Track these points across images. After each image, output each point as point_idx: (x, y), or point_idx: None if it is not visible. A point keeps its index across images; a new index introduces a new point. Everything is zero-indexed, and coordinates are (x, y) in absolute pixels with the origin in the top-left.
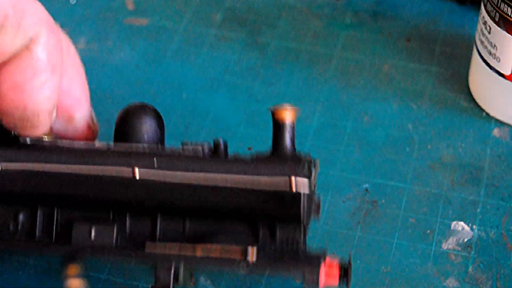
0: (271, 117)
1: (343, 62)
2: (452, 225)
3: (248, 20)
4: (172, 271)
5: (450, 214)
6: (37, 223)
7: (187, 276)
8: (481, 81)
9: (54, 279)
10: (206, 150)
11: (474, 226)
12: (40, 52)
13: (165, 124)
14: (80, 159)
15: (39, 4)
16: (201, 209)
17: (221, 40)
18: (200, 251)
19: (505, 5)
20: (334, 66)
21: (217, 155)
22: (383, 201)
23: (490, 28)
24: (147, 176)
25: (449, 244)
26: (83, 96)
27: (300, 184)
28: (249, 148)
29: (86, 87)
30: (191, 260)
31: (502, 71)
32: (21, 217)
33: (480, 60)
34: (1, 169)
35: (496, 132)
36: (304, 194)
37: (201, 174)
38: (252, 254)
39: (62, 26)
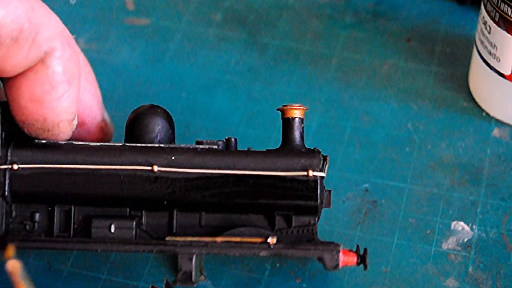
0: (270, 117)
1: (343, 62)
2: (452, 225)
3: (248, 20)
4: (194, 259)
5: (450, 214)
6: (55, 221)
7: (197, 274)
8: (481, 81)
9: (54, 279)
10: (221, 147)
11: (474, 226)
12: (56, 65)
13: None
14: (97, 157)
15: (54, 16)
16: (218, 203)
17: (221, 40)
18: (220, 241)
19: (505, 5)
20: (334, 66)
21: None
22: (383, 201)
23: (490, 28)
24: (166, 172)
25: (449, 244)
26: (94, 102)
27: (316, 170)
28: (249, 148)
29: (98, 93)
30: (212, 246)
31: (502, 71)
32: (37, 216)
33: (480, 60)
34: (18, 170)
35: (496, 132)
36: (320, 179)
37: (220, 164)
38: (272, 240)
39: None
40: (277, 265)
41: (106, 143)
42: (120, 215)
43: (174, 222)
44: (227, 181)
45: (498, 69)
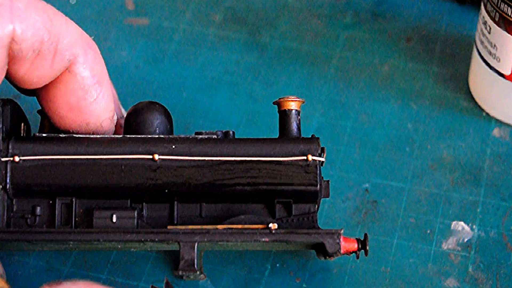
0: (270, 117)
1: (343, 62)
2: (452, 225)
3: (248, 20)
4: (196, 247)
5: (450, 214)
6: (56, 214)
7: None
8: (481, 81)
9: (54, 279)
10: (220, 137)
11: (474, 226)
12: (83, 71)
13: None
14: (97, 148)
15: (70, 22)
16: (219, 190)
17: (221, 40)
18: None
19: (505, 5)
20: (334, 66)
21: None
22: (383, 201)
23: (490, 28)
24: (167, 160)
25: (449, 244)
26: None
27: (316, 155)
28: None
29: (113, 90)
30: (214, 234)
31: (502, 71)
32: (38, 210)
33: (480, 60)
34: (19, 162)
35: (496, 132)
36: (319, 163)
37: (220, 151)
38: (273, 226)
39: None
40: (277, 265)
41: (106, 135)
42: (122, 206)
43: (175, 213)
44: (227, 168)
45: (498, 69)
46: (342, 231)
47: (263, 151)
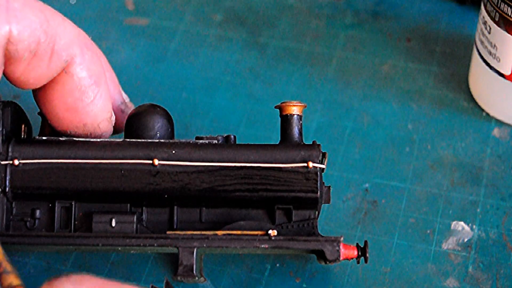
0: (270, 117)
1: (343, 62)
2: (452, 225)
3: (248, 20)
4: (195, 253)
5: (450, 214)
6: (55, 217)
7: (197, 272)
8: (481, 81)
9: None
10: (220, 142)
11: (474, 226)
12: (80, 71)
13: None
14: (97, 152)
15: (67, 22)
16: (219, 195)
17: (221, 40)
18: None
19: (505, 5)
20: (334, 66)
21: None
22: (383, 201)
23: (490, 28)
24: (167, 165)
25: (449, 244)
26: (111, 85)
27: (316, 162)
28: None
29: (113, 76)
30: (213, 240)
31: (502, 71)
32: (38, 213)
33: (480, 60)
34: (19, 165)
35: (496, 132)
36: (320, 170)
37: (220, 157)
38: (273, 232)
39: None
40: (277, 265)
41: (106, 139)
42: (121, 210)
43: (175, 218)
44: (227, 174)
45: (498, 69)
46: (342, 239)
47: (263, 157)
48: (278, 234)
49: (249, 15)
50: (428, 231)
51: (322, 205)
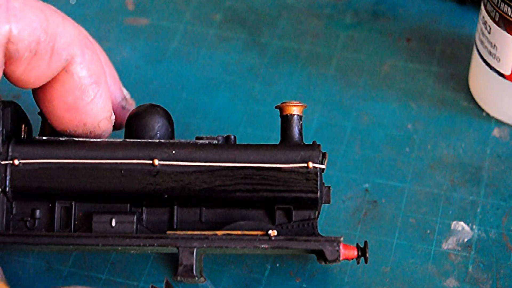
0: (270, 117)
1: (343, 62)
2: (452, 225)
3: (248, 20)
4: (195, 253)
5: (450, 214)
6: (55, 217)
7: (197, 271)
8: (481, 81)
9: (54, 279)
10: (220, 142)
11: (474, 226)
12: (80, 70)
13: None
14: (97, 152)
15: (68, 21)
16: (219, 195)
17: (221, 40)
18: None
19: (505, 5)
20: (334, 66)
21: None
22: (383, 201)
23: (490, 28)
24: (167, 165)
25: (449, 244)
26: (112, 81)
27: (316, 162)
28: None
29: (114, 72)
30: (213, 240)
31: (502, 71)
32: (38, 213)
33: (480, 60)
34: (19, 165)
35: (496, 132)
36: (320, 170)
37: (220, 157)
38: (273, 232)
39: None
40: (277, 265)
41: (106, 139)
42: (121, 210)
43: (175, 218)
44: (227, 174)
45: (498, 69)
46: (341, 239)
47: (263, 157)
48: (278, 234)
49: (249, 15)
50: (428, 231)
51: (322, 205)
